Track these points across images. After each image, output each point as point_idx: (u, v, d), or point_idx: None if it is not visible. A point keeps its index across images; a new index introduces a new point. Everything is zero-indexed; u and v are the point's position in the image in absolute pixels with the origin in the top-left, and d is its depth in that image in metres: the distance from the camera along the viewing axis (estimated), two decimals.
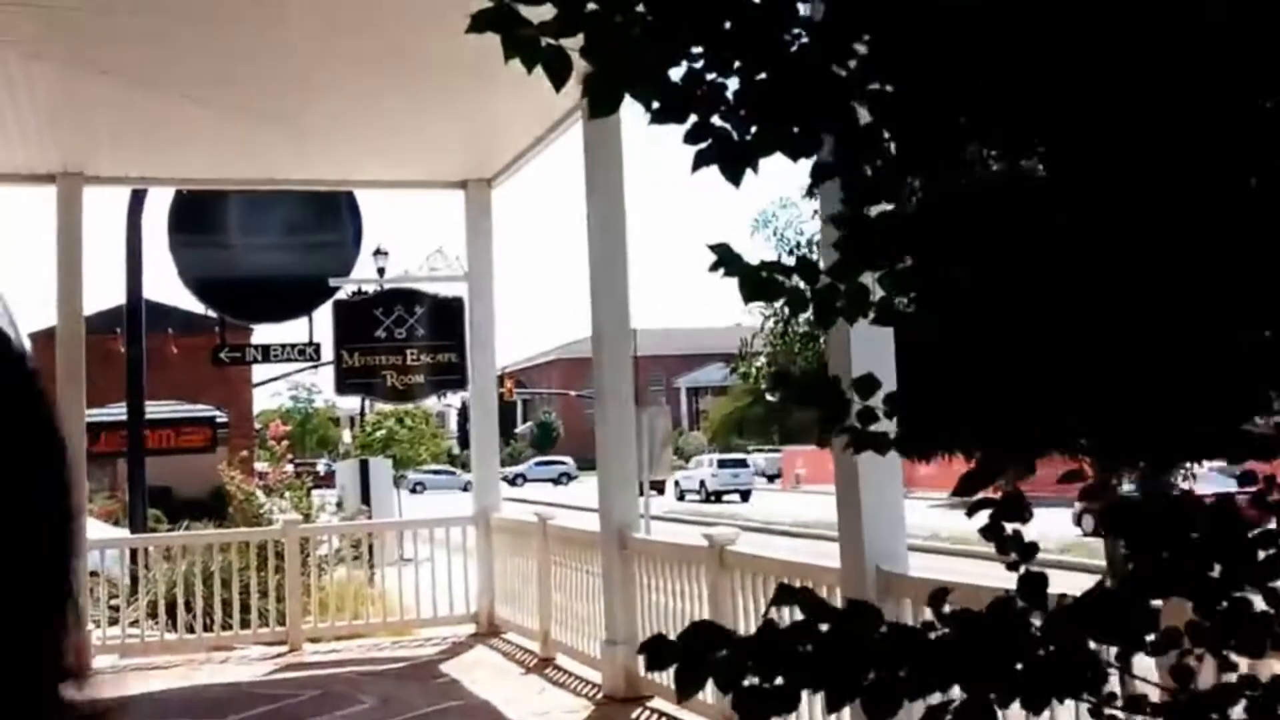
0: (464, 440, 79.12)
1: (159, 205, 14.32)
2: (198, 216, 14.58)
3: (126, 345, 13.43)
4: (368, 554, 11.66)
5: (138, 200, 13.86)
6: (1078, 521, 21.55)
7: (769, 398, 21.25)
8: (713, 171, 1.65)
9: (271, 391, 45.55)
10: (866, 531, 5.20)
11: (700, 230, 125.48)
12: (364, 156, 10.44)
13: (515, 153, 10.38)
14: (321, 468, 35.16)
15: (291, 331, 14.52)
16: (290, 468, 14.48)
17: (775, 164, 1.68)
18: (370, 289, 11.54)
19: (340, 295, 11.66)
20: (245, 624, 10.18)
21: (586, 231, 8.16)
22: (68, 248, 9.86)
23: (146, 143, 9.66)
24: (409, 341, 11.21)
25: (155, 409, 25.37)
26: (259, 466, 17.42)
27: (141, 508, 12.72)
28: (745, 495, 46.09)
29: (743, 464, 47.92)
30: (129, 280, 14.02)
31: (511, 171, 10.98)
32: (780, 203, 18.46)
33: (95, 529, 14.50)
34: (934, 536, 27.12)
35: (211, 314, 15.49)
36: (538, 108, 9.04)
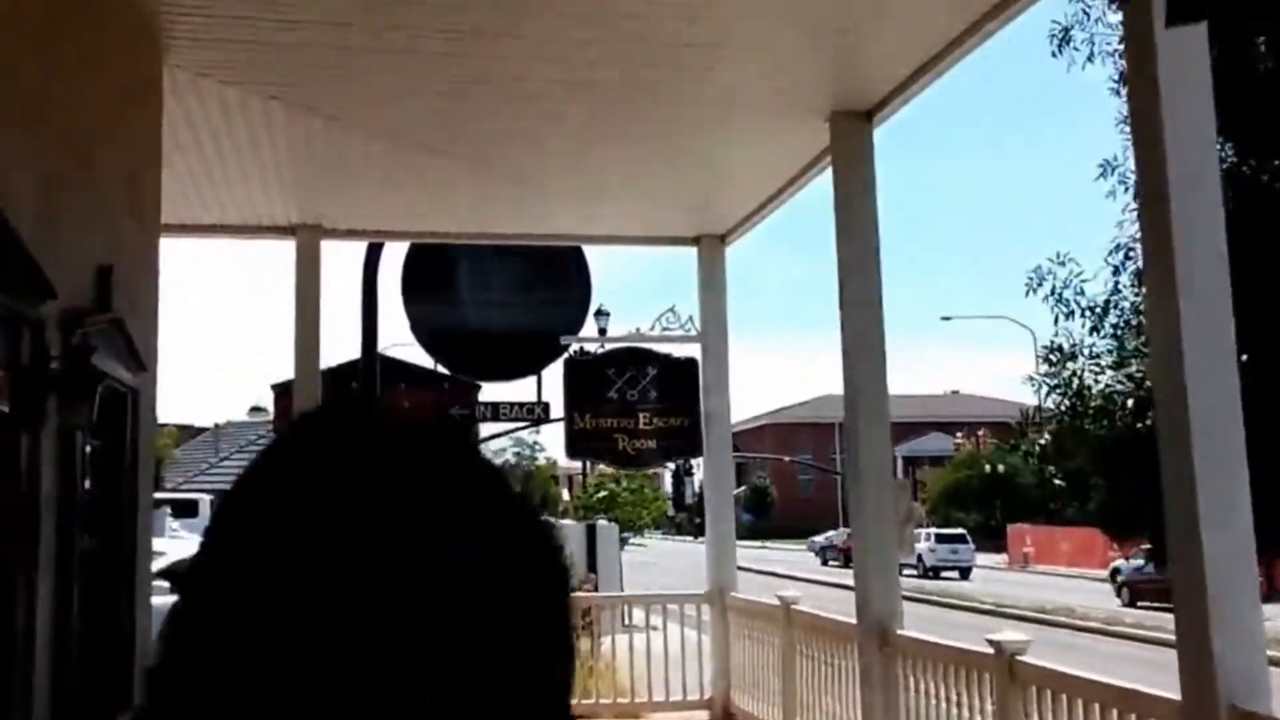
0: (678, 503, 78.78)
1: (394, 259, 14.32)
2: (430, 272, 14.50)
3: (360, 392, 13.35)
4: (595, 623, 11.08)
5: (374, 254, 13.86)
6: None
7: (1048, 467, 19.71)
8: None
9: (494, 448, 46.51)
10: (1219, 655, 4.04)
11: (923, 288, 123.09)
12: (596, 211, 10.01)
13: (751, 208, 9.82)
14: None
15: (519, 390, 14.19)
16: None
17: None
18: (597, 348, 11.04)
19: (570, 353, 11.21)
20: None
21: (838, 283, 7.38)
22: (306, 300, 9.72)
23: (382, 196, 9.46)
24: (641, 404, 10.63)
25: None
26: None
27: None
28: (965, 573, 43.61)
29: (962, 539, 45.41)
30: (364, 333, 14.01)
31: (746, 228, 10.38)
32: (1058, 259, 16.90)
33: None
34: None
35: (440, 369, 15.38)
36: (779, 158, 8.48)
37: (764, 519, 68.70)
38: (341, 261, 14.86)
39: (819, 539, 57.15)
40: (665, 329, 10.65)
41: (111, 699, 5.38)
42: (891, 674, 6.89)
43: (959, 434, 65.53)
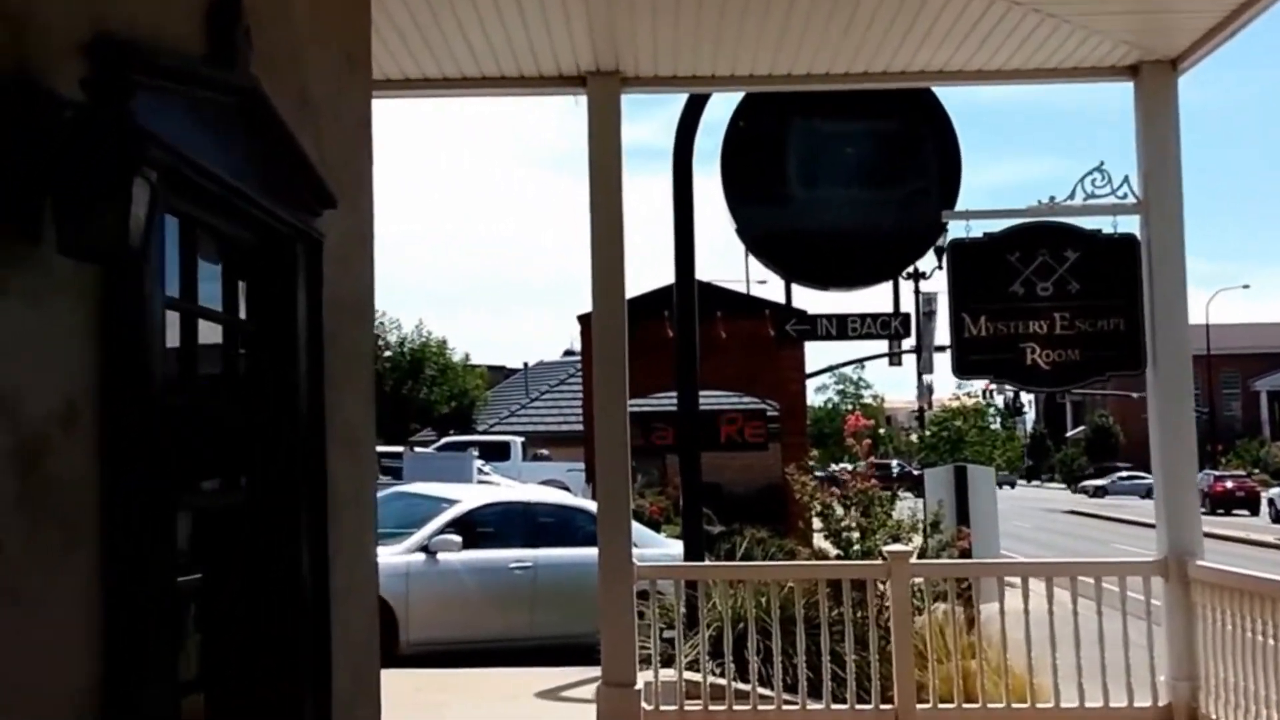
0: (1035, 448, 72.11)
1: (708, 154, 11.82)
2: (753, 163, 11.90)
3: (676, 324, 11.02)
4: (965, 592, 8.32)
5: (684, 145, 11.41)
6: None
7: None
8: None
9: (816, 385, 43.68)
10: None
11: None
12: (982, 34, 7.13)
13: (1218, 17, 6.75)
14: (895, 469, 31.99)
15: (866, 302, 11.40)
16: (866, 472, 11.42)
17: None
18: (997, 228, 8.07)
19: (950, 238, 8.34)
20: (838, 695, 7.20)
21: None
22: (602, 172, 7.41)
23: (704, 23, 6.95)
24: (1057, 300, 7.68)
25: (704, 400, 23.72)
26: (833, 468, 14.86)
27: (695, 514, 10.20)
28: None
29: None
30: (678, 243, 11.58)
31: (1205, 51, 7.28)
32: None
33: (651, 547, 12.33)
34: None
35: (762, 296, 12.77)
36: None
37: (1107, 461, 62.83)
38: (639, 181, 12.52)
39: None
40: (1090, 196, 7.64)
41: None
42: None
43: None
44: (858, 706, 7.18)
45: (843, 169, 11.90)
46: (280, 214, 3.62)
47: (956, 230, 7.96)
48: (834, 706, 7.19)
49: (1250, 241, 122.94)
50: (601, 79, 7.42)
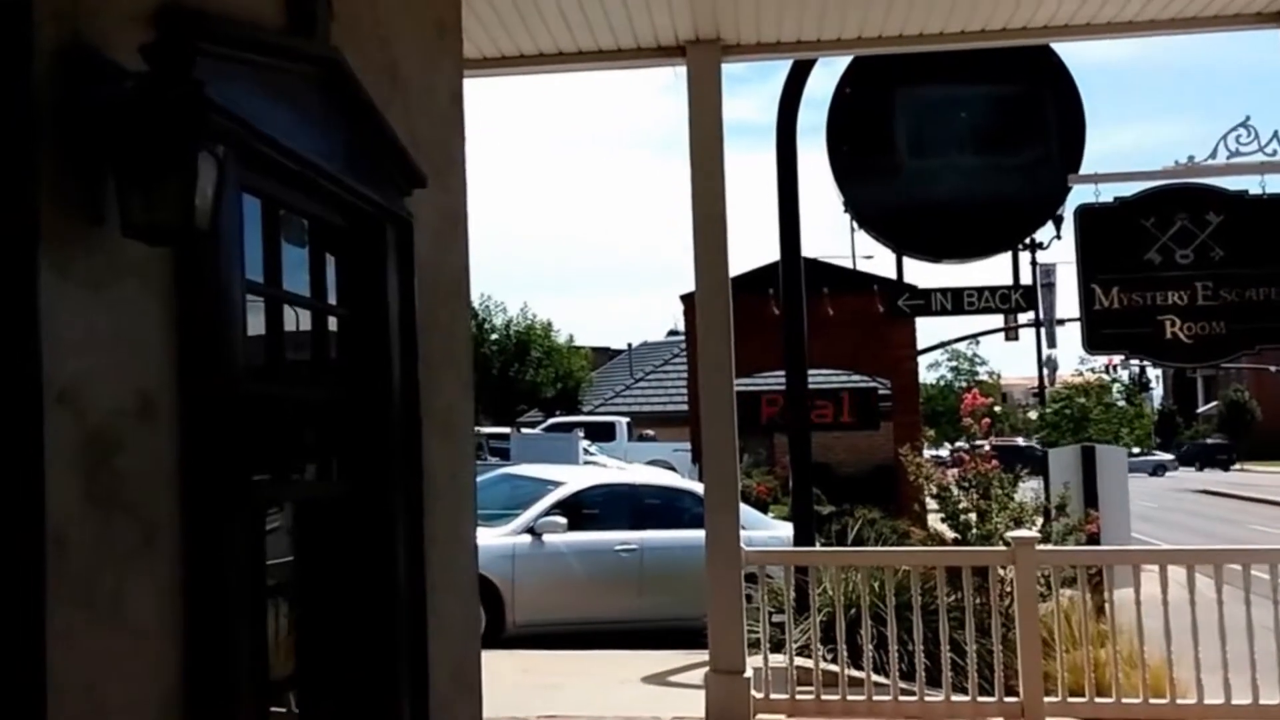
0: (1164, 425, 69.44)
1: (815, 124, 11.48)
2: (860, 132, 11.53)
3: (783, 299, 10.70)
4: (1095, 578, 7.90)
5: (788, 114, 11.08)
6: None
7: None
8: None
9: (928, 363, 42.73)
10: None
11: None
12: None
13: None
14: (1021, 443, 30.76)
15: (983, 275, 10.97)
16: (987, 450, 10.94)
17: None
18: (1129, 192, 7.62)
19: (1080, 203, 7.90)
20: (958, 685, 6.89)
21: None
22: (705, 139, 7.14)
23: None
24: (1199, 268, 7.20)
25: (814, 378, 23.28)
26: (942, 451, 14.40)
27: (805, 496, 9.91)
28: None
29: None
30: (783, 217, 11.26)
31: None
32: None
33: (759, 529, 12.09)
34: None
35: (870, 272, 12.42)
36: None
37: (1243, 439, 60.52)
38: (742, 159, 12.17)
39: None
40: (1234, 155, 7.14)
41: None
42: None
43: None
44: (980, 699, 6.85)
45: (956, 136, 11.46)
46: (367, 193, 3.45)
47: (1084, 196, 7.54)
48: (954, 698, 6.87)
49: None
50: (701, 48, 7.14)
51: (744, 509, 13.51)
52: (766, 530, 12.26)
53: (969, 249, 10.84)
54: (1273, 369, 52.27)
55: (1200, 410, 70.00)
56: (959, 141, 11.65)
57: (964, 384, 37.72)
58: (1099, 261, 7.34)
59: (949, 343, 32.64)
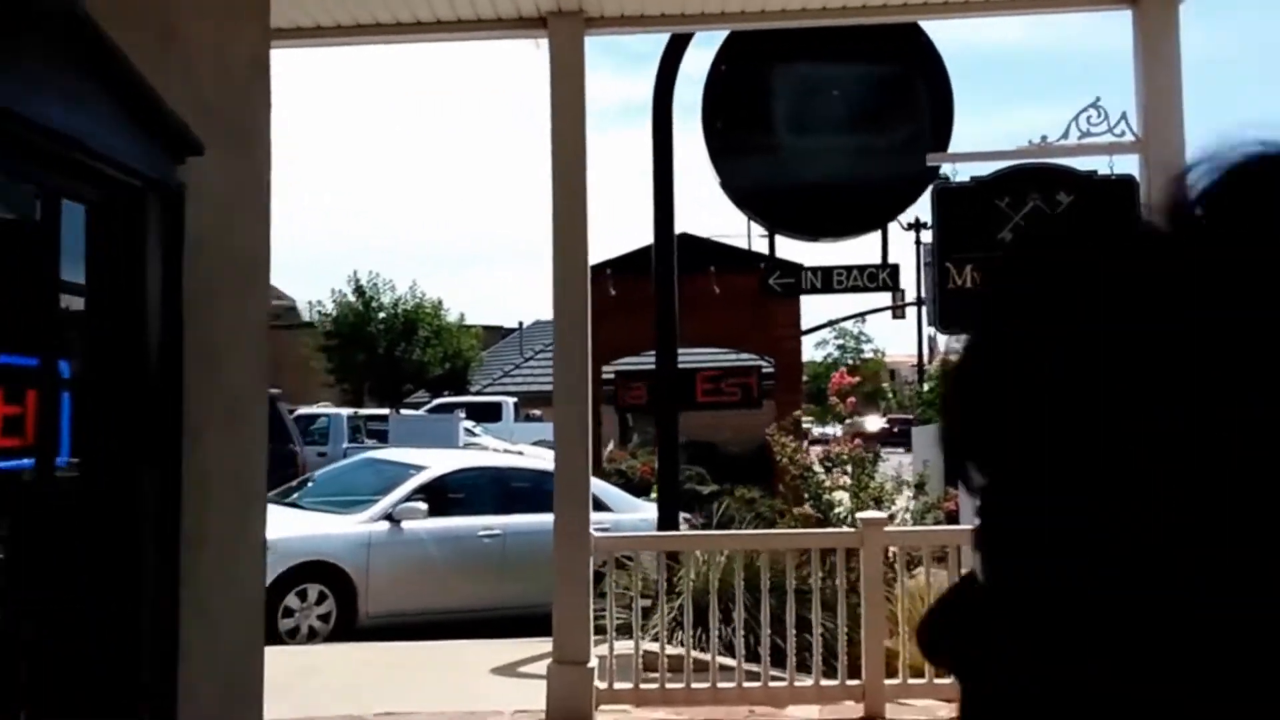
0: None
1: (690, 99, 11.29)
2: (735, 110, 11.37)
3: (655, 278, 10.55)
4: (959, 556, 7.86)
5: (664, 91, 10.89)
6: None
7: None
8: None
9: (815, 341, 43.08)
10: None
11: None
12: None
13: None
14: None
15: (853, 253, 11.00)
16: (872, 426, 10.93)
17: None
18: (989, 170, 7.54)
19: (937, 181, 7.83)
20: (806, 668, 6.79)
21: None
22: (567, 116, 6.89)
23: None
24: None
25: (694, 357, 23.22)
26: (820, 430, 14.35)
27: (672, 478, 9.76)
28: None
29: None
30: (657, 195, 11.11)
31: None
32: None
33: (631, 512, 11.94)
34: None
35: (760, 250, 12.29)
36: None
37: None
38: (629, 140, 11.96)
39: None
40: (1085, 135, 7.11)
41: None
42: None
43: None
44: (824, 681, 6.78)
45: (830, 114, 11.35)
46: (124, 162, 3.15)
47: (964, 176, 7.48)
48: (798, 682, 6.79)
49: None
50: (564, 19, 6.88)
51: (614, 491, 13.39)
52: (636, 512, 12.10)
53: (841, 227, 10.76)
54: None
55: None
56: (833, 120, 11.55)
57: (850, 361, 38.14)
58: (954, 241, 7.28)
59: (836, 321, 33.01)
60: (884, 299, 31.46)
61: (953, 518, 10.12)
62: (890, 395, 36.03)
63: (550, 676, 6.62)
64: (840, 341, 39.54)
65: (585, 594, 6.70)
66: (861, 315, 33.72)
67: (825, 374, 40.33)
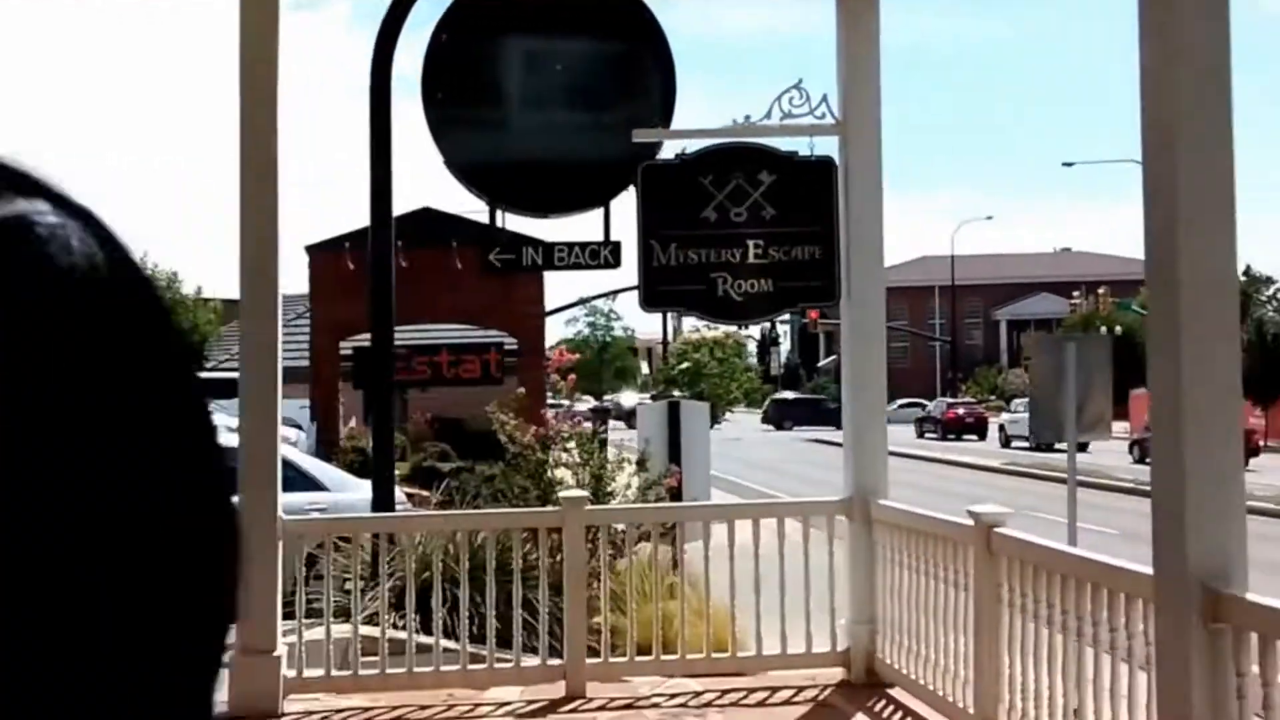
0: (790, 379, 74.34)
1: (409, 70, 10.96)
2: (458, 82, 11.07)
3: (370, 254, 10.21)
4: (677, 532, 7.94)
5: (383, 60, 10.51)
6: None
7: None
8: None
9: (567, 318, 43.26)
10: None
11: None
12: None
13: None
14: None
15: (580, 229, 10.95)
16: (582, 408, 10.93)
17: None
18: (697, 146, 7.55)
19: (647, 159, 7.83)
20: (505, 643, 6.70)
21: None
22: (257, 89, 6.53)
23: None
24: (750, 227, 7.26)
25: (436, 333, 22.83)
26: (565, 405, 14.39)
27: (386, 458, 9.45)
28: (1083, 445, 39.72)
29: None
30: (374, 173, 10.77)
31: None
32: None
33: (350, 492, 11.59)
34: None
35: (507, 228, 12.12)
36: None
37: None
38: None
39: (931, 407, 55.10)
40: (788, 116, 7.23)
41: None
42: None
43: (1075, 294, 61.07)
44: (524, 663, 6.69)
45: (555, 90, 11.19)
46: None
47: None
48: (498, 664, 6.68)
49: (995, 174, 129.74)
50: None
51: (333, 471, 12.96)
52: (355, 492, 11.74)
53: (566, 204, 10.62)
54: (890, 325, 56.61)
55: (820, 364, 74.78)
56: (557, 96, 11.39)
57: (601, 339, 38.42)
58: (658, 218, 7.28)
59: (589, 299, 33.07)
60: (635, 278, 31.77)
61: (675, 494, 10.23)
62: (645, 373, 36.59)
63: (233, 667, 6.27)
64: (591, 319, 39.76)
65: (272, 579, 6.38)
66: (613, 294, 33.97)
67: (576, 351, 40.67)
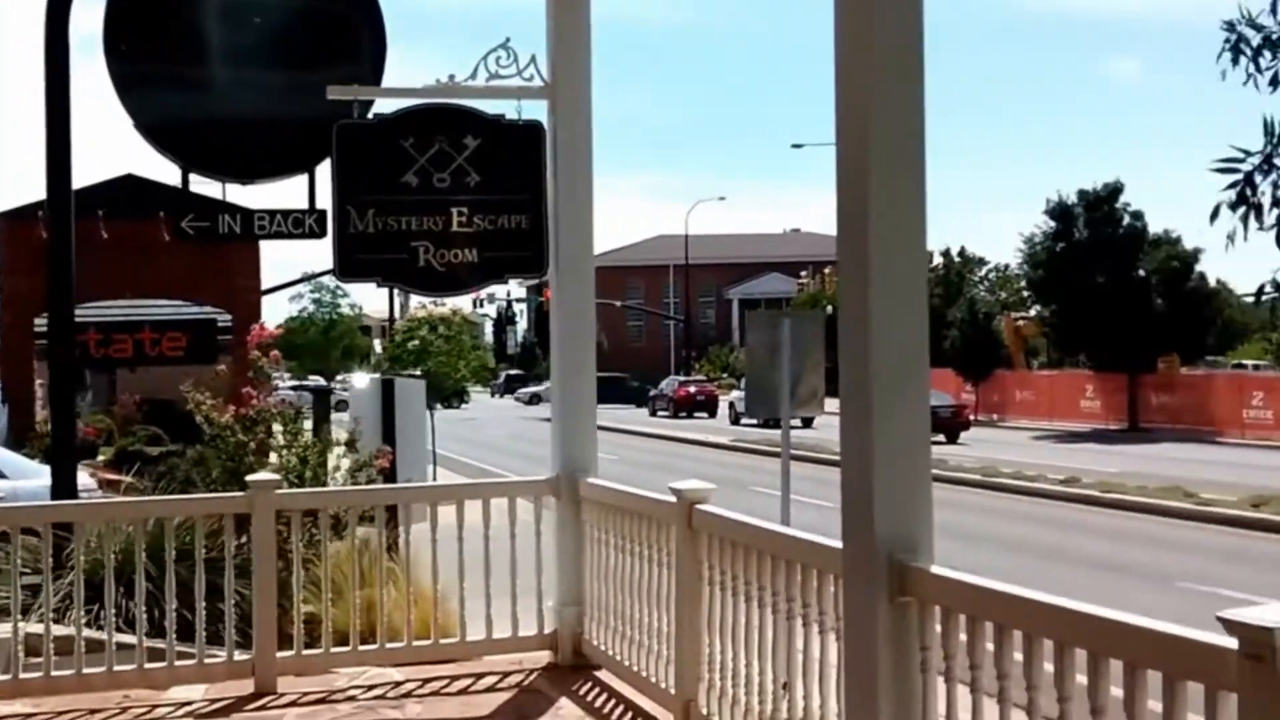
0: (500, 355, 74.63)
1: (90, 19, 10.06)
2: (144, 35, 10.22)
3: (49, 222, 9.30)
4: (387, 515, 7.53)
5: (57, 23, 9.59)
6: None
7: None
8: None
9: (292, 294, 41.52)
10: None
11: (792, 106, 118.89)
12: None
13: None
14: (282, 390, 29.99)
15: (283, 196, 10.32)
16: (286, 388, 10.31)
17: None
18: (397, 106, 7.15)
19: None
20: (188, 636, 6.17)
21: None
22: None
23: None
24: (454, 193, 6.92)
25: (142, 309, 21.37)
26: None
27: (67, 444, 8.63)
28: (808, 420, 41.43)
29: None
30: (50, 132, 9.81)
31: None
32: None
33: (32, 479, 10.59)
34: (1073, 481, 22.77)
35: (219, 198, 11.35)
36: None
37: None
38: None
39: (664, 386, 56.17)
40: (494, 77, 6.90)
41: None
42: (910, 634, 3.73)
43: (803, 274, 63.39)
44: (208, 659, 6.17)
45: (255, 45, 10.45)
46: None
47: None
48: (179, 662, 6.15)
49: (728, 156, 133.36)
50: None
51: (12, 457, 11.90)
52: (38, 479, 10.77)
53: (266, 169, 9.95)
54: (618, 304, 57.16)
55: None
56: (257, 52, 10.64)
57: (326, 316, 37.11)
58: (356, 183, 6.85)
59: (316, 275, 31.80)
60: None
61: (386, 474, 9.81)
62: (379, 352, 35.55)
63: None
64: (316, 296, 38.29)
65: None
66: (328, 272, 32.72)
67: (301, 329, 39.09)
